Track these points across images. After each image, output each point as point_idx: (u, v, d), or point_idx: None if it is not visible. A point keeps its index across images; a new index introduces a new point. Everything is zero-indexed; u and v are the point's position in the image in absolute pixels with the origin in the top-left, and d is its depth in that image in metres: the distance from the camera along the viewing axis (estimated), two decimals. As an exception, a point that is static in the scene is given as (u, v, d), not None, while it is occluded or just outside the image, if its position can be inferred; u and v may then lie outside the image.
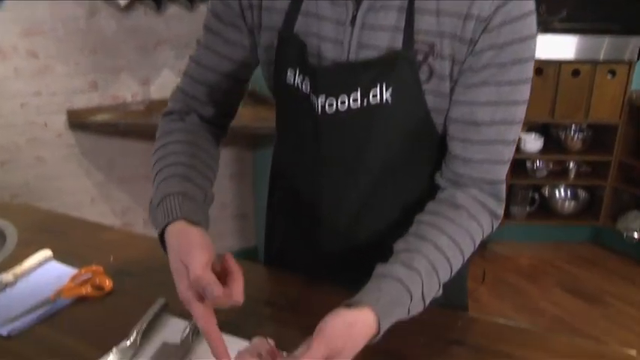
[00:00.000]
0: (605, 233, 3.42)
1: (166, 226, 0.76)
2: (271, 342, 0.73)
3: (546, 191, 3.44)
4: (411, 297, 0.74)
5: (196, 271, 0.68)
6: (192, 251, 0.70)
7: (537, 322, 2.70)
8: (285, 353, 0.73)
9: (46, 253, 1.08)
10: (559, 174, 3.39)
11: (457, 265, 0.81)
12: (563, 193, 3.45)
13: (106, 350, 0.81)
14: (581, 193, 3.42)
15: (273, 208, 1.13)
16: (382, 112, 0.82)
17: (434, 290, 0.78)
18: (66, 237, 1.21)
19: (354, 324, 0.68)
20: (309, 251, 1.01)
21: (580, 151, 3.24)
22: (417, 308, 0.77)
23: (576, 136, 3.21)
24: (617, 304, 2.86)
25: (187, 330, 0.85)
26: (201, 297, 0.69)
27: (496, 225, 0.87)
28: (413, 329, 0.81)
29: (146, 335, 0.85)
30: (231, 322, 0.81)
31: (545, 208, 3.41)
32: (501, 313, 2.73)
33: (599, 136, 3.21)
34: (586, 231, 3.51)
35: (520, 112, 0.82)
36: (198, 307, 0.69)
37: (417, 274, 0.75)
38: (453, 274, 0.81)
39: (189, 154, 0.87)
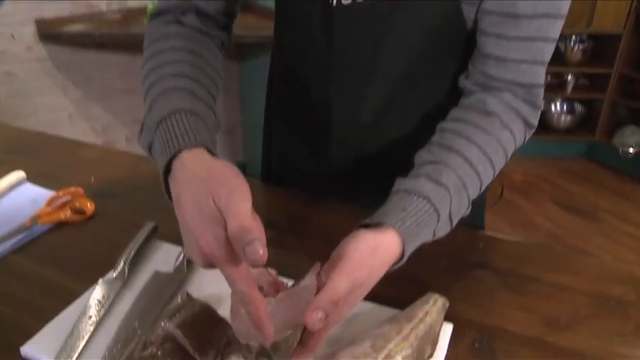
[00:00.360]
0: (600, 148, 3.38)
1: (178, 152, 0.59)
2: (273, 272, 0.63)
3: (542, 105, 3.36)
4: (439, 217, 0.65)
5: (243, 220, 0.50)
6: (235, 194, 0.52)
7: (532, 237, 2.69)
8: (289, 283, 0.63)
9: (19, 174, 1.00)
10: (556, 87, 3.30)
11: (487, 180, 0.71)
12: (559, 107, 3.37)
13: (91, 282, 0.73)
14: (578, 107, 3.34)
15: (271, 118, 1.03)
16: (405, 4, 0.72)
17: (463, 209, 0.69)
18: (40, 156, 1.13)
19: (377, 249, 0.59)
20: (314, 164, 0.92)
21: (579, 63, 3.14)
22: (443, 230, 0.68)
23: (576, 47, 3.10)
24: (611, 220, 2.85)
25: (181, 257, 0.77)
26: (231, 257, 0.52)
27: (529, 136, 0.78)
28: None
29: (134, 264, 0.77)
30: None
31: (540, 123, 3.31)
32: (496, 229, 2.70)
33: (600, 47, 3.10)
34: (581, 146, 3.47)
35: (565, 4, 0.70)
36: (238, 268, 0.52)
37: (446, 190, 0.65)
38: (482, 191, 0.71)
39: (190, 63, 0.72)
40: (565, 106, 3.36)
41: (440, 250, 0.77)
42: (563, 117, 3.33)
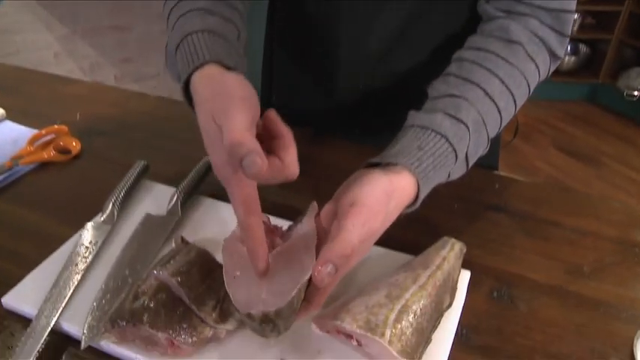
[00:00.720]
0: (603, 91, 3.30)
1: (191, 74, 0.56)
2: (266, 218, 0.58)
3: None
4: (456, 157, 0.59)
5: (234, 134, 0.47)
6: (231, 108, 0.49)
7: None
8: (284, 227, 0.58)
9: (-2, 111, 0.96)
10: (561, 27, 3.19)
11: (508, 117, 0.65)
12: (563, 48, 3.28)
13: (77, 226, 0.68)
14: (583, 48, 3.25)
15: (272, 51, 0.96)
16: None
17: (481, 149, 0.63)
18: (21, 93, 1.08)
19: (391, 194, 0.53)
20: (319, 98, 0.87)
21: (587, 0, 3.01)
22: (458, 172, 0.62)
23: (585, -17, 2.97)
24: (612, 164, 2.81)
25: (175, 198, 0.71)
26: (237, 177, 0.50)
27: (553, 68, 0.71)
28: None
29: (124, 206, 0.72)
30: (216, 186, 0.58)
31: (542, 64, 3.25)
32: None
33: (610, -18, 2.97)
34: (583, 89, 3.39)
35: None
36: (239, 188, 0.49)
37: (465, 128, 0.59)
38: (501, 129, 0.65)
39: None
40: (569, 47, 3.26)
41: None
42: (566, 58, 3.23)
